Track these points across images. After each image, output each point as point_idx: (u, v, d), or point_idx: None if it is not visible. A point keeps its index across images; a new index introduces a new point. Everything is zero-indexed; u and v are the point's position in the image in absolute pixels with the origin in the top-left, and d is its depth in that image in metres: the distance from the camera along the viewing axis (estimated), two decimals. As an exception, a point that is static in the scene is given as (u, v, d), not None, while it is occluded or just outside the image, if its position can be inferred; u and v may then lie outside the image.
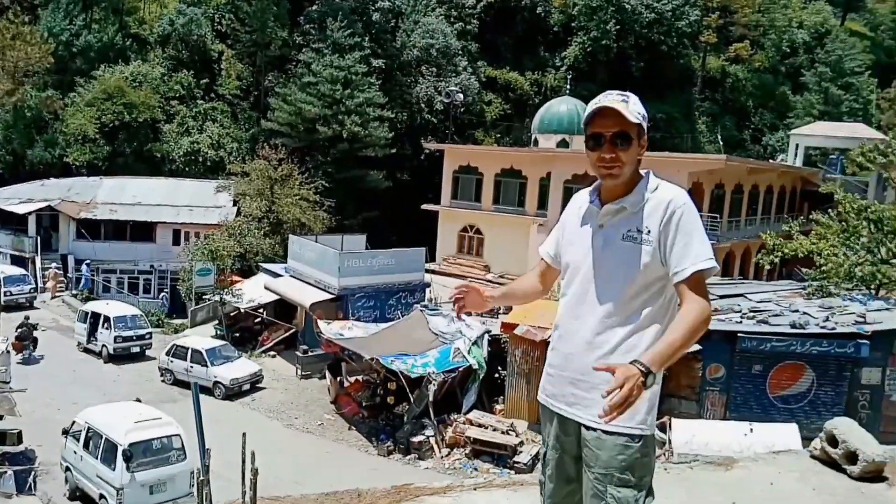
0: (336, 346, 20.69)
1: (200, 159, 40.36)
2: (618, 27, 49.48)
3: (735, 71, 59.80)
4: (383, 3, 45.58)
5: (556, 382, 2.73)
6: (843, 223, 20.77)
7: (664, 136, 48.10)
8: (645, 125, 2.57)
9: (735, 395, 16.18)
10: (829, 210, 21.86)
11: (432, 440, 17.89)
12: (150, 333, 25.09)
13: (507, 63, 52.03)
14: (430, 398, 18.24)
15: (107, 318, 24.07)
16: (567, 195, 31.84)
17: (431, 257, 34.64)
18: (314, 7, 44.96)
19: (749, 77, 60.13)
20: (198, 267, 27.13)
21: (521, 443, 17.16)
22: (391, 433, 18.65)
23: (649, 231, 2.53)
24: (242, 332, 27.17)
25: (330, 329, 20.99)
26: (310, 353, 23.13)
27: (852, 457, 4.42)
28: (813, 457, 4.84)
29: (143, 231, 34.79)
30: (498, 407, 19.24)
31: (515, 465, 16.27)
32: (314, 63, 40.46)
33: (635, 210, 2.57)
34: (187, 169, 39.84)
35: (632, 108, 2.54)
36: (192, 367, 21.74)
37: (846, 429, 4.48)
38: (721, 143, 52.51)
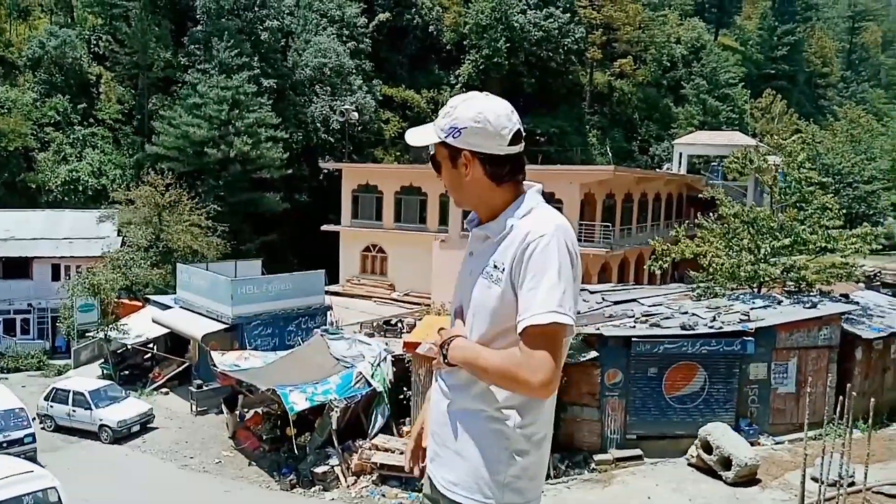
0: (232, 378, 19.71)
1: (80, 188, 37.96)
2: (508, 45, 50.67)
3: (620, 85, 62.51)
4: (271, 22, 44.63)
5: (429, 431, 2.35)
6: (726, 226, 21.82)
7: (557, 150, 49.49)
8: (456, 137, 2.07)
9: (633, 398, 16.47)
10: (713, 214, 22.94)
11: (337, 469, 17.25)
12: (32, 435, 18.28)
13: (403, 81, 52.19)
14: (334, 426, 17.62)
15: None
16: (467, 211, 32.01)
17: (335, 279, 33.91)
18: (199, 27, 43.41)
19: (634, 91, 62.99)
20: (79, 303, 25.37)
21: (430, 464, 16.77)
22: (294, 466, 17.86)
23: (503, 269, 2.04)
24: (131, 369, 25.56)
25: (225, 361, 19.97)
26: (205, 388, 21.97)
27: (726, 462, 4.39)
28: (690, 464, 4.79)
29: (18, 267, 32.24)
30: (405, 429, 18.79)
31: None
32: (200, 84, 38.98)
33: (496, 240, 2.10)
34: (66, 199, 37.35)
35: (440, 122, 2.12)
36: (74, 411, 20.27)
37: (719, 434, 4.45)
38: (611, 154, 54.59)
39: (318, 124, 44.68)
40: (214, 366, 20.06)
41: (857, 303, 19.84)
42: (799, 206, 21.18)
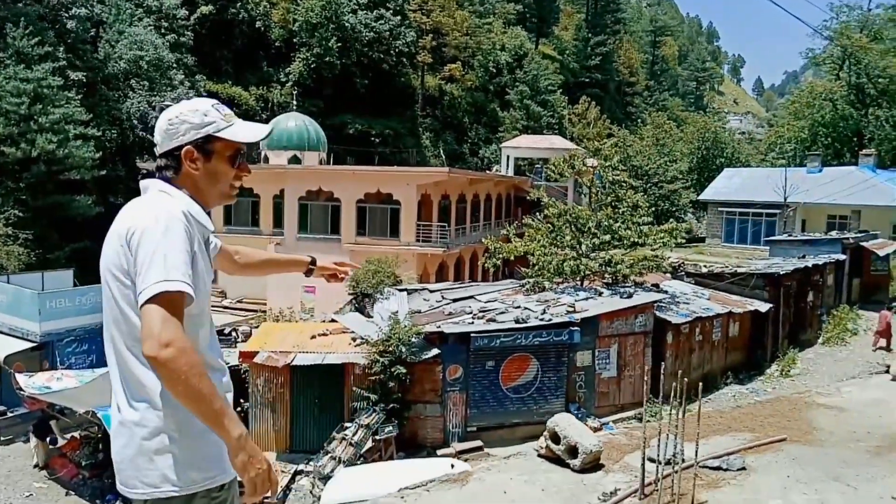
0: (42, 401, 17.74)
1: None
2: (340, 45, 50.23)
3: (451, 89, 64.36)
4: (79, 10, 40.77)
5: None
6: (550, 225, 23.18)
7: (393, 151, 49.93)
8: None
9: (473, 391, 17.02)
10: (539, 214, 24.28)
11: (170, 490, 16.12)
12: None
13: (229, 78, 49.99)
14: (164, 444, 16.43)
15: None
16: (303, 212, 31.35)
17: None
18: (-10, 11, 38.62)
19: (463, 95, 65.13)
20: None
21: (271, 475, 16.18)
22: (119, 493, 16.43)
23: None
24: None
25: (32, 383, 17.87)
26: (9, 415, 19.61)
27: (573, 451, 4.64)
28: (540, 455, 5.02)
29: None
30: (243, 441, 17.99)
31: (265, 499, 15.31)
32: (-6, 75, 34.70)
33: None
34: None
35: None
36: None
37: (566, 424, 4.70)
38: (444, 156, 56.02)
39: (136, 121, 41.48)
40: (20, 389, 17.94)
41: (667, 291, 21.93)
42: (614, 205, 23.01)
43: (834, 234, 34.49)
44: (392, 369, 15.62)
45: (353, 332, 17.57)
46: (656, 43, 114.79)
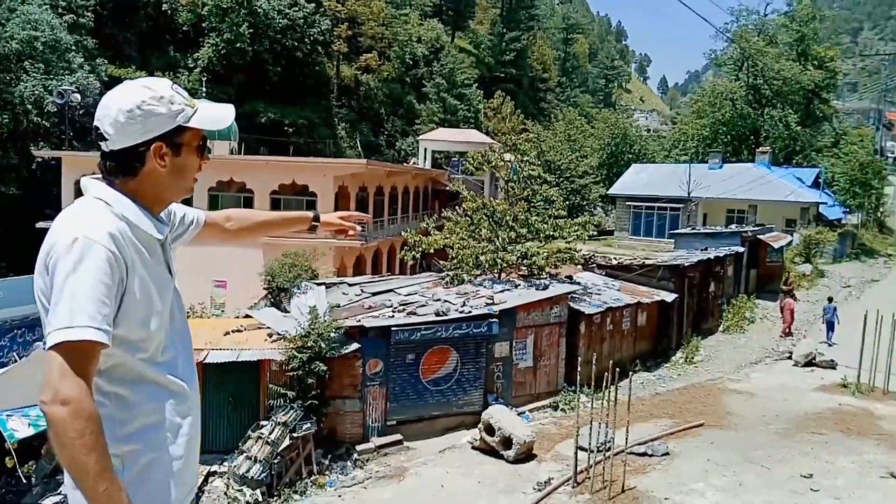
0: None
1: None
2: (251, 31, 48.74)
3: (367, 80, 63.69)
4: (-37, -17, 37.79)
5: (188, 480, 2.17)
6: (469, 218, 23.39)
7: (307, 142, 48.97)
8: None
9: (393, 385, 16.97)
10: (457, 207, 24.44)
11: (72, 497, 15.29)
12: None
13: (133, 62, 47.56)
14: (66, 449, 15.54)
15: None
16: (213, 204, 30.26)
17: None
18: None
19: (380, 86, 64.59)
20: None
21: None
22: (17, 500, 15.46)
23: None
24: None
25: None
26: None
27: (507, 442, 4.69)
28: (474, 448, 5.05)
29: None
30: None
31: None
32: None
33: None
34: None
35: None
36: None
37: (500, 416, 4.75)
38: (360, 147, 55.46)
39: (30, 106, 38.85)
40: None
41: (580, 283, 22.58)
42: (529, 199, 23.46)
43: (733, 227, 36.50)
44: (311, 365, 15.36)
45: (269, 327, 17.16)
46: (568, 40, 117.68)
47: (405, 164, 51.34)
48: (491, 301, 18.56)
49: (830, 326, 23.30)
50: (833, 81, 56.29)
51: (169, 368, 2.05)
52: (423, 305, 18.22)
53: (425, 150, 48.78)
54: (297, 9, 51.31)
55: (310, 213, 2.85)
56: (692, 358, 23.19)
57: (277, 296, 20.66)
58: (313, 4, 53.39)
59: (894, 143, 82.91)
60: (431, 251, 23.28)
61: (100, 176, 2.06)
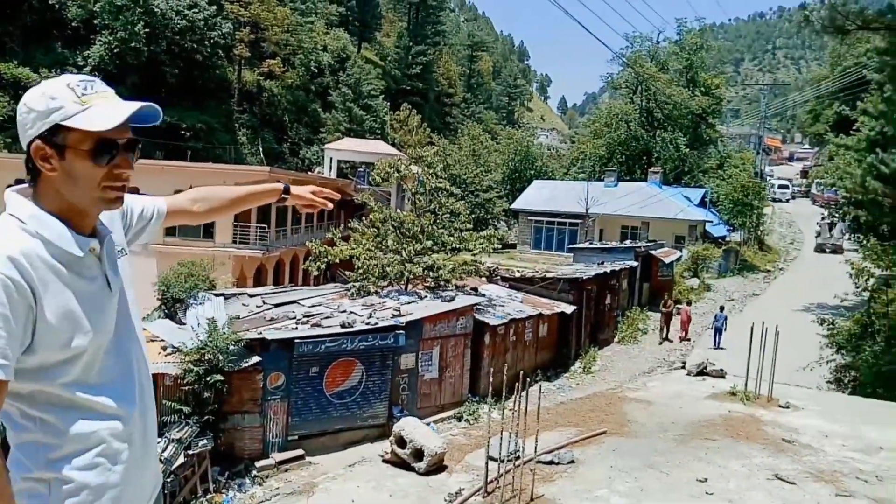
0: None
1: None
2: (147, 30, 46.64)
3: (270, 86, 62.31)
4: None
5: None
6: (375, 229, 23.24)
7: (206, 146, 47.26)
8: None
9: (295, 399, 16.51)
10: (363, 218, 24.22)
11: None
12: None
13: (16, 57, 44.38)
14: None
15: None
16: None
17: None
18: None
19: (283, 93, 63.34)
20: None
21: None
22: None
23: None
24: None
25: None
26: None
27: (419, 454, 4.60)
28: (385, 461, 4.93)
29: None
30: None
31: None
32: None
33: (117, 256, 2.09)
34: None
35: None
36: None
37: (411, 428, 4.65)
38: (262, 154, 54.09)
39: None
40: None
41: (484, 295, 22.86)
42: (435, 212, 23.60)
43: (627, 242, 38.17)
44: (207, 379, 14.70)
45: (162, 340, 16.31)
46: (473, 57, 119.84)
47: (310, 172, 50.50)
48: (397, 313, 18.45)
49: (718, 332, 24.88)
50: (718, 107, 60.09)
51: (106, 391, 1.87)
52: (328, 317, 17.87)
53: (331, 159, 48.20)
54: (196, 10, 49.59)
55: (280, 185, 2.74)
56: (590, 368, 23.95)
57: (172, 307, 19.69)
58: (214, 7, 51.77)
59: (772, 168, 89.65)
60: (337, 262, 22.93)
61: (26, 185, 1.88)
